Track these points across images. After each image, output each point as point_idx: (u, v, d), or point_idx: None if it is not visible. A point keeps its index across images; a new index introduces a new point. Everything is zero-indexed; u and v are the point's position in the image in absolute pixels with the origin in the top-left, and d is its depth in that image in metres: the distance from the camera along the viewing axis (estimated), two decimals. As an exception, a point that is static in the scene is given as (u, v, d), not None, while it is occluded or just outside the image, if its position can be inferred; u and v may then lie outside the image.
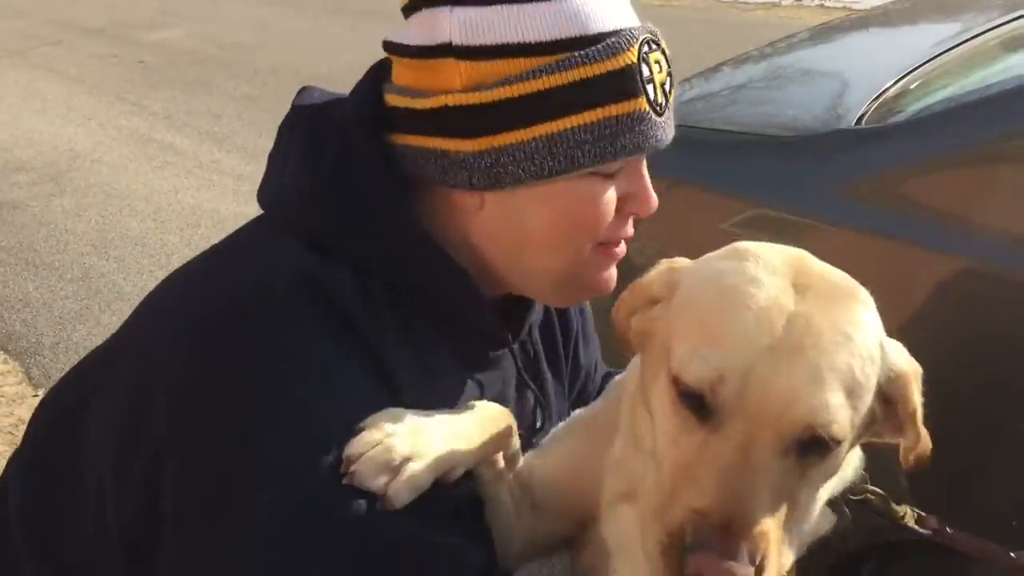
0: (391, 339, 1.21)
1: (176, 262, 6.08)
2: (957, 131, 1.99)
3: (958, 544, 1.39)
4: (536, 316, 1.47)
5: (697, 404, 1.04)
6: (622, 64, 1.18)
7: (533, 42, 1.17)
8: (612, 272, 1.34)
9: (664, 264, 1.18)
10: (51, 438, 1.32)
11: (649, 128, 1.21)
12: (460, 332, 1.31)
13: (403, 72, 1.26)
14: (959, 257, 1.92)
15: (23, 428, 3.82)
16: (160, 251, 5.41)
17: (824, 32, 3.44)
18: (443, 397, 1.29)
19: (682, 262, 1.18)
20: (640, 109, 1.20)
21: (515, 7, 1.17)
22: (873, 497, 1.33)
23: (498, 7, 1.17)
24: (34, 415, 1.39)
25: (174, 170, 6.74)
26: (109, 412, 1.22)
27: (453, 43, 1.18)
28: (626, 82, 1.19)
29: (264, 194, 1.33)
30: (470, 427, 1.24)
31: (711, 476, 1.00)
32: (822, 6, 9.49)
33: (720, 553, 0.97)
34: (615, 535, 1.25)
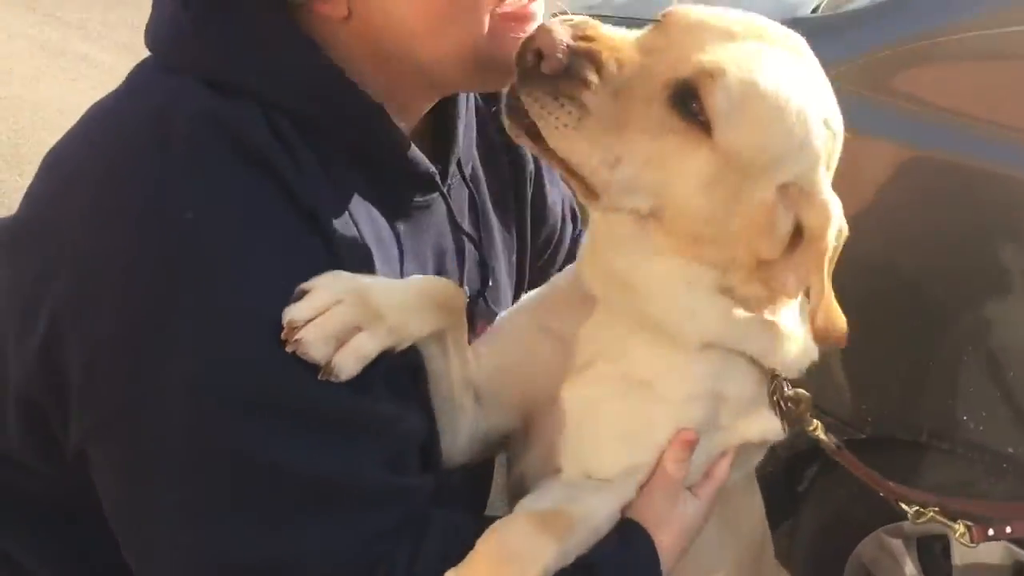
0: (310, 176, 1.09)
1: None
2: (914, 16, 1.91)
3: (851, 467, 1.42)
4: (465, 148, 1.35)
5: None
6: None
7: None
8: (524, 33, 1.20)
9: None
10: None
11: None
12: (381, 174, 1.20)
13: None
14: (914, 146, 1.86)
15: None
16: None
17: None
18: (373, 249, 1.18)
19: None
20: None
21: None
22: (797, 403, 1.31)
23: None
24: None
25: (90, 82, 6.42)
26: (14, 280, 1.12)
27: None
28: None
29: (147, 36, 1.21)
30: (418, 298, 1.15)
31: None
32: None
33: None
34: (578, 401, 1.20)
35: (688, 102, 1.09)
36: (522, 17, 1.20)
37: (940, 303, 1.83)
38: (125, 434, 1.06)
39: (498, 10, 1.18)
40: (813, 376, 1.97)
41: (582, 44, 1.08)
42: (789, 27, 2.08)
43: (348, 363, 1.06)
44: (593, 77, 1.08)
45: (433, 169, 1.27)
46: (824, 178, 1.18)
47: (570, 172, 1.13)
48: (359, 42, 1.17)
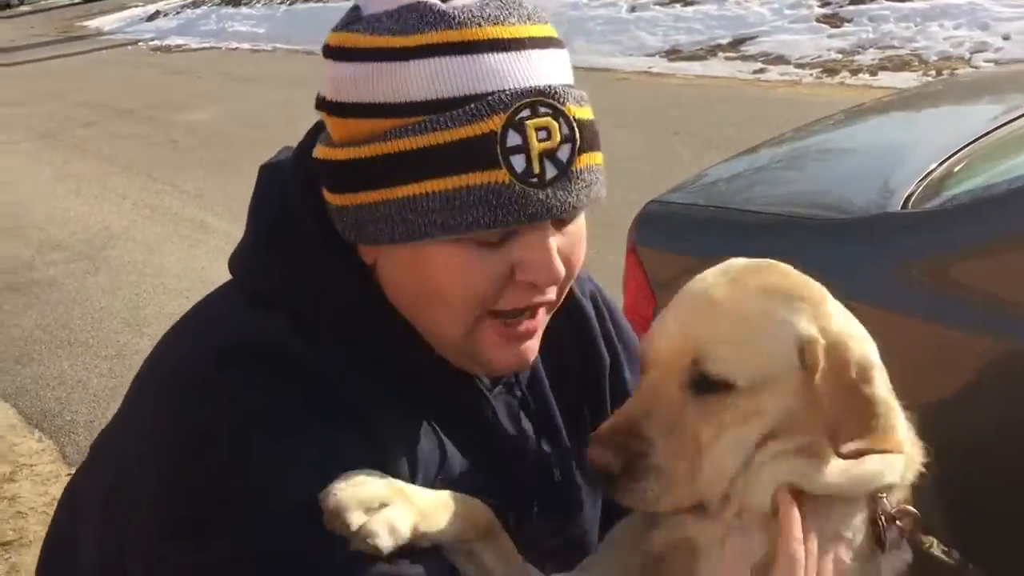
0: (350, 384, 1.18)
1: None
2: (1010, 215, 2.00)
3: None
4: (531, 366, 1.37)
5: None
6: (479, 132, 1.09)
7: (398, 102, 1.11)
8: (512, 350, 1.23)
9: None
10: (60, 510, 1.35)
11: (514, 201, 1.10)
12: (427, 390, 1.26)
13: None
14: (1011, 340, 1.91)
15: (59, 507, 3.84)
16: (193, 329, 5.42)
17: (859, 113, 3.48)
18: (422, 457, 1.22)
19: None
20: (498, 181, 1.09)
21: (382, 65, 1.11)
22: (903, 517, 1.31)
23: (366, 64, 1.12)
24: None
25: (206, 248, 6.83)
26: (97, 482, 1.24)
27: (326, 98, 1.16)
28: (482, 151, 1.09)
29: (230, 261, 1.33)
30: (447, 499, 1.20)
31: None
32: (842, 83, 9.60)
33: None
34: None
35: (704, 382, 1.21)
36: (513, 331, 1.22)
37: None
38: None
39: (495, 313, 1.20)
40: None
41: (621, 436, 1.20)
42: (884, 221, 2.19)
43: (380, 528, 1.07)
44: (648, 438, 1.20)
45: (479, 378, 1.30)
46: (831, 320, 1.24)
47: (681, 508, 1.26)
48: (384, 285, 1.25)
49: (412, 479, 1.18)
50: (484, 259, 1.15)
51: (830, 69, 9.82)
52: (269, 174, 1.32)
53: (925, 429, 1.98)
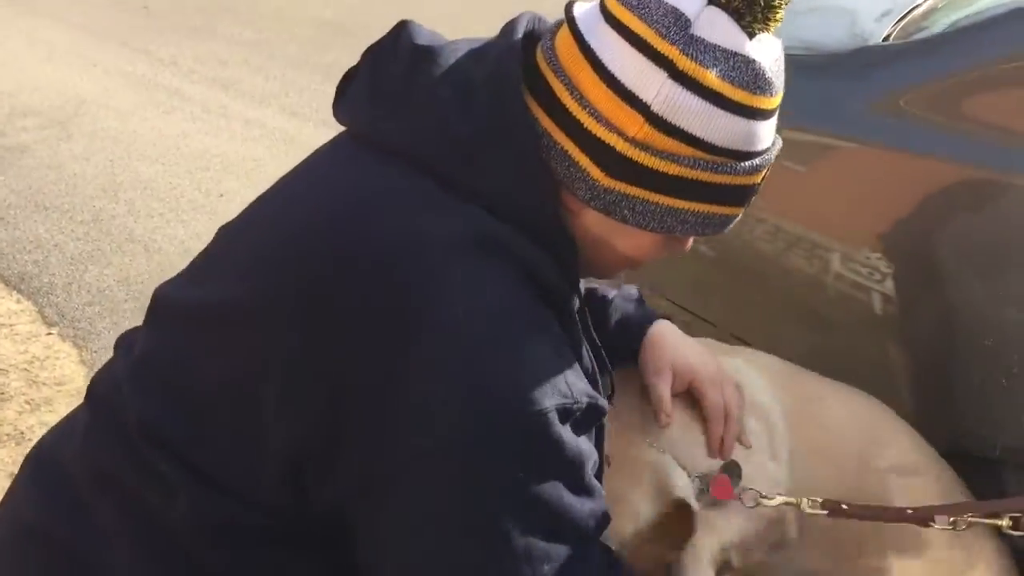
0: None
1: (185, 205, 6.04)
2: (989, 44, 1.96)
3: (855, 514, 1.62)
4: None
5: None
6: (752, 182, 1.34)
7: (710, 142, 1.27)
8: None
9: None
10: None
11: (731, 223, 1.38)
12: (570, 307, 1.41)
13: (584, 79, 1.29)
14: (988, 169, 1.90)
15: (38, 365, 3.86)
16: (169, 194, 5.39)
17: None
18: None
19: None
20: (738, 215, 1.37)
21: (715, 110, 1.26)
22: None
23: (703, 101, 1.25)
24: None
25: (181, 115, 6.70)
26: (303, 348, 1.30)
27: (652, 108, 1.25)
28: (746, 195, 1.35)
29: (393, 124, 1.34)
30: None
31: None
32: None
33: None
34: None
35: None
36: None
37: (1010, 319, 1.86)
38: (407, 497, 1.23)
39: None
40: (885, 394, 2.02)
41: None
42: (860, 55, 2.16)
43: None
44: None
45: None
46: None
47: None
48: (578, 227, 1.36)
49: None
50: (675, 244, 1.43)
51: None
52: (466, 64, 1.35)
53: (916, 258, 2.00)
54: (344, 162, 1.39)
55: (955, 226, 1.95)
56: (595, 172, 1.28)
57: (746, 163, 1.30)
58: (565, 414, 1.24)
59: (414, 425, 1.20)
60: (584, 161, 1.28)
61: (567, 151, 1.29)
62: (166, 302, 1.46)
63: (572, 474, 1.26)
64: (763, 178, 1.35)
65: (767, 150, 1.34)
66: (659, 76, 1.24)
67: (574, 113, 1.28)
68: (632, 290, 1.78)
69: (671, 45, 1.24)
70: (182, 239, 4.91)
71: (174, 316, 1.43)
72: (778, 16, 1.28)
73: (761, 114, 1.29)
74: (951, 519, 1.60)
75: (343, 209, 1.31)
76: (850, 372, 1.96)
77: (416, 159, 1.31)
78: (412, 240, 1.25)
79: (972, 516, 1.61)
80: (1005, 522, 1.61)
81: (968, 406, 1.93)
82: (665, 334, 1.69)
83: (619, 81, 1.25)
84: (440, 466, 1.20)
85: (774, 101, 1.31)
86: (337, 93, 1.44)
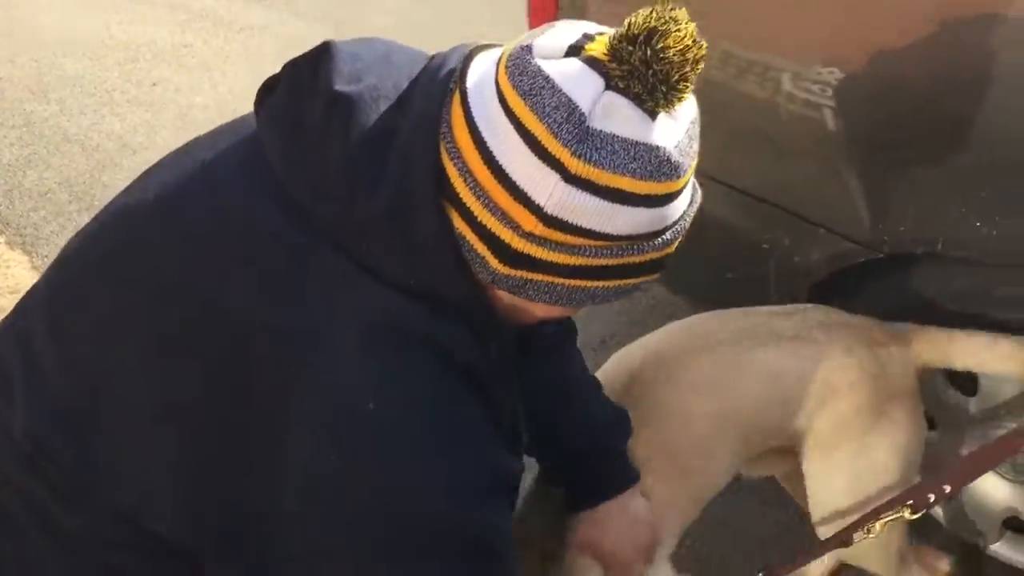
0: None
1: (118, 99, 5.83)
2: None
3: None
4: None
5: None
6: (666, 253, 1.28)
7: (614, 234, 1.21)
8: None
9: None
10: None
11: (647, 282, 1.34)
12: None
13: (479, 171, 1.20)
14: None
15: (-15, 273, 3.76)
16: (100, 88, 5.22)
17: None
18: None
19: None
20: (655, 278, 1.32)
21: (616, 206, 1.19)
22: None
23: (601, 200, 1.18)
24: None
25: (102, 5, 6.45)
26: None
27: (545, 210, 1.18)
28: (659, 265, 1.29)
29: (302, 176, 1.29)
30: None
31: None
32: None
33: None
34: None
35: None
36: None
37: (948, 115, 1.89)
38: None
39: None
40: (828, 201, 2.06)
41: None
42: None
43: None
44: None
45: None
46: None
47: None
48: (493, 295, 1.33)
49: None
50: None
51: None
52: (378, 133, 1.27)
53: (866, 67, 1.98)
54: (243, 190, 1.32)
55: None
56: (493, 261, 1.24)
57: (656, 240, 1.25)
58: (473, 500, 1.27)
59: (321, 523, 1.23)
60: (481, 249, 1.24)
61: (466, 237, 1.24)
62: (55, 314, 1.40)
63: (478, 552, 1.29)
64: (677, 245, 1.30)
65: (680, 219, 1.28)
66: (552, 178, 1.16)
67: (468, 204, 1.22)
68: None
69: (562, 146, 1.14)
70: (119, 134, 4.75)
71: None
72: (683, 96, 1.18)
73: (669, 198, 1.22)
74: None
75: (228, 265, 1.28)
76: (805, 196, 1.97)
77: (320, 221, 1.26)
78: (323, 322, 1.24)
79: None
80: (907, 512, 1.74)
81: (912, 205, 1.98)
82: (611, 515, 1.77)
83: (512, 180, 1.18)
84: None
85: (683, 181, 1.23)
86: (258, 97, 1.34)
